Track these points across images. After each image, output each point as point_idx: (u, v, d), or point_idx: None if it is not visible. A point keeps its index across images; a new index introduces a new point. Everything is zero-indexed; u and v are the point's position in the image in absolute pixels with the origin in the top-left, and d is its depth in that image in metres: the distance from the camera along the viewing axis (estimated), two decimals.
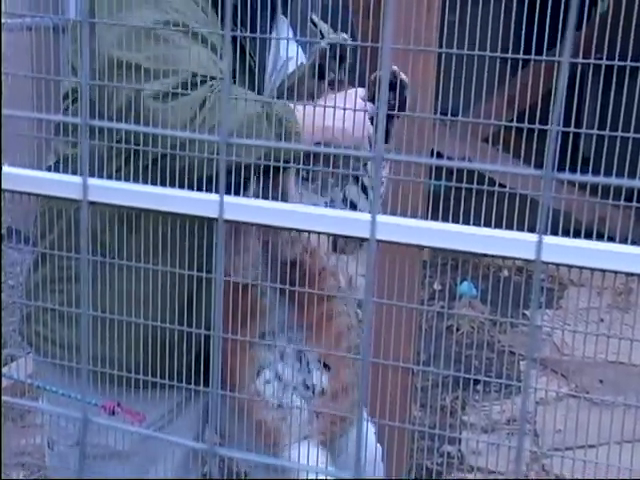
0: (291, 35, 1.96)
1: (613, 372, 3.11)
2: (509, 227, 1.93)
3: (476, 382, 3.32)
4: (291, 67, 1.92)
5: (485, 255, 0.83)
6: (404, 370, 2.66)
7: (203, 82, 1.63)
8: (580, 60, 1.50)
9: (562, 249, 0.75)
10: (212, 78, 1.64)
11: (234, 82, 1.76)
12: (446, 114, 1.98)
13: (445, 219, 1.63)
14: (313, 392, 1.83)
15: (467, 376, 1.85)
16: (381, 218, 0.72)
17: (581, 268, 0.73)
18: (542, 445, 3.31)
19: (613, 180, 0.51)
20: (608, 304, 3.77)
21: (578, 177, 0.51)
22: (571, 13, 0.47)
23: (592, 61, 1.57)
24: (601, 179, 0.51)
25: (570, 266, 0.73)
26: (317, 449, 1.82)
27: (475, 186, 1.80)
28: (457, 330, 4.01)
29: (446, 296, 4.02)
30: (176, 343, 1.88)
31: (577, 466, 2.40)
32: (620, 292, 4.03)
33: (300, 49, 1.96)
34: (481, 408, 3.51)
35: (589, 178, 0.52)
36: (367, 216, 0.63)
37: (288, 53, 1.93)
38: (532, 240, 0.61)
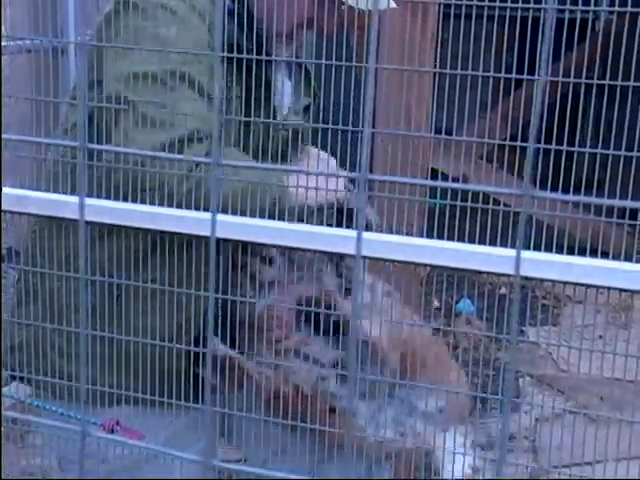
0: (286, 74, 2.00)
1: (610, 389, 3.12)
2: (504, 243, 1.94)
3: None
4: (286, 103, 1.96)
5: (468, 270, 0.84)
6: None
7: (200, 140, 1.62)
8: (571, 79, 1.51)
9: (548, 265, 0.77)
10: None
11: (249, 111, 1.75)
12: (441, 132, 2.00)
13: (441, 236, 1.64)
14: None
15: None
16: (367, 235, 0.74)
17: (565, 283, 0.75)
18: (541, 462, 3.32)
19: (594, 199, 0.52)
20: (607, 321, 3.79)
21: (556, 195, 0.52)
22: (545, 41, 0.49)
23: (583, 80, 1.59)
24: (581, 198, 0.53)
25: (555, 281, 0.74)
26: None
27: (469, 204, 1.82)
28: (456, 347, 4.02)
29: (444, 312, 4.03)
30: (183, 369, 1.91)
31: None
32: (618, 309, 4.05)
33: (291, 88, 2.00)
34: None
35: (569, 197, 0.53)
36: (352, 233, 0.64)
37: (284, 89, 1.96)
38: (511, 255, 0.63)
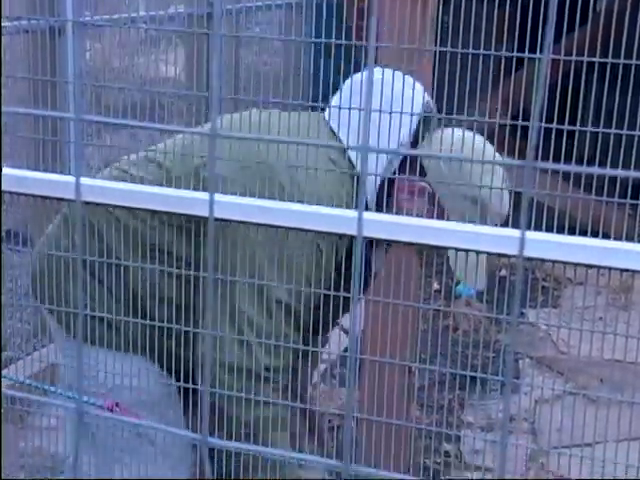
0: None
1: (610, 370, 3.12)
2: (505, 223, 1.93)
3: (474, 381, 3.32)
4: None
5: (472, 251, 0.83)
6: (403, 369, 2.66)
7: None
8: (573, 57, 1.50)
9: (550, 245, 0.76)
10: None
11: None
12: (441, 113, 1.99)
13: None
14: None
15: (464, 373, 1.85)
16: (368, 215, 0.73)
17: (568, 264, 0.74)
18: (541, 443, 3.32)
19: (595, 169, 0.52)
20: (607, 302, 3.78)
21: (558, 166, 0.51)
22: (549, 23, 0.48)
23: (585, 58, 1.57)
24: (584, 169, 0.52)
25: (558, 262, 0.73)
26: None
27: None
28: (455, 329, 4.01)
29: (444, 295, 4.03)
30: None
31: (575, 464, 2.41)
32: (618, 291, 4.04)
33: None
34: (480, 407, 3.51)
35: (570, 167, 0.53)
36: (354, 213, 0.64)
37: None
38: (515, 236, 0.62)
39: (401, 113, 1.88)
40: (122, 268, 1.91)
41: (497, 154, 1.97)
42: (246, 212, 0.85)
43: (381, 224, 0.80)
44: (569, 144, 1.81)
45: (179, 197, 0.88)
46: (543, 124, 1.35)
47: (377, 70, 1.97)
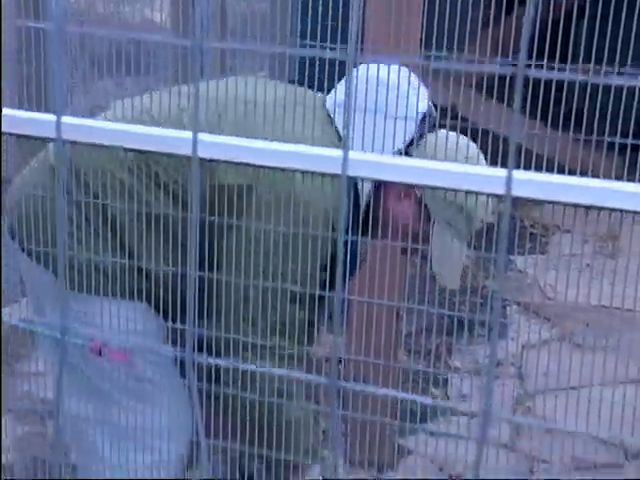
0: None
1: (597, 316, 3.14)
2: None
3: (461, 326, 3.35)
4: None
5: (459, 191, 0.84)
6: (390, 313, 2.68)
7: None
8: None
9: (538, 184, 0.76)
10: None
11: None
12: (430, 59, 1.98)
13: None
14: None
15: (451, 313, 1.87)
16: (353, 154, 0.73)
17: (556, 203, 0.74)
18: (527, 387, 3.36)
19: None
20: (594, 250, 3.80)
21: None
22: None
23: None
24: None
25: (544, 201, 0.74)
26: None
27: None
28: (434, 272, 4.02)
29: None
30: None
31: (561, 407, 2.44)
32: (605, 238, 4.06)
33: None
34: (467, 352, 3.55)
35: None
36: (339, 152, 0.64)
37: None
38: (502, 175, 0.62)
39: (404, 119, 1.92)
40: (109, 217, 1.92)
41: (482, 157, 2.00)
42: (230, 151, 0.85)
43: (366, 163, 0.80)
44: (558, 92, 1.81)
45: (163, 136, 0.88)
46: (532, 71, 1.35)
47: (382, 68, 1.96)
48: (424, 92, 1.99)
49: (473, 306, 3.35)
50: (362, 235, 1.99)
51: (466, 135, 2.02)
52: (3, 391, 2.54)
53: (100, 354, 1.98)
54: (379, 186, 1.98)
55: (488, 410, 0.64)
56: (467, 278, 3.73)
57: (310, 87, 2.03)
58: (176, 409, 2.04)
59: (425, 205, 1.98)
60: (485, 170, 0.77)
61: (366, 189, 1.97)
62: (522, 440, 3.03)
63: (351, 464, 2.58)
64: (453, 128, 2.00)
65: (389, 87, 1.89)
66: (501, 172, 0.67)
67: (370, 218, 1.95)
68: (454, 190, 0.84)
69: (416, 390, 3.04)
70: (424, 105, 1.98)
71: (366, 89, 1.91)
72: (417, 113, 1.94)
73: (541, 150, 2.12)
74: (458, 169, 0.78)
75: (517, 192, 0.67)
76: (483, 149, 2.02)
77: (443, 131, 2.01)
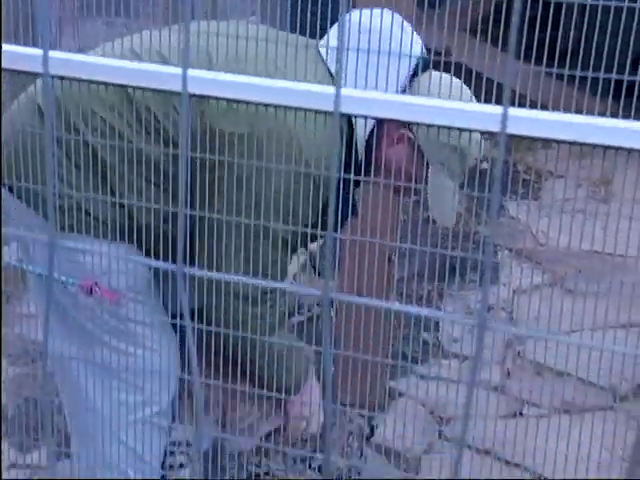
0: None
1: (589, 261, 3.15)
2: None
3: (453, 272, 3.35)
4: None
5: (454, 128, 0.83)
6: (382, 257, 2.68)
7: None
8: None
9: (533, 122, 0.75)
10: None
11: None
12: (424, 3, 1.96)
13: None
14: None
15: (444, 252, 1.88)
16: (347, 91, 0.72)
17: (551, 141, 0.73)
18: (518, 332, 3.37)
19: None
20: (587, 195, 3.80)
21: None
22: None
23: None
24: None
25: (539, 139, 0.73)
26: None
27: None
28: (435, 221, 4.03)
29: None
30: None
31: (551, 351, 2.45)
32: (598, 184, 4.06)
33: None
34: (459, 297, 3.56)
35: None
36: (331, 89, 0.63)
37: None
38: (498, 112, 0.61)
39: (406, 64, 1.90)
40: (93, 155, 1.92)
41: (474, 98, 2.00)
42: (222, 87, 0.83)
43: (360, 100, 0.79)
44: (554, 31, 1.79)
45: (152, 72, 0.86)
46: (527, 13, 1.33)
47: (375, 13, 1.94)
48: (417, 37, 1.97)
49: (465, 251, 3.35)
50: (357, 183, 1.99)
51: (460, 78, 2.01)
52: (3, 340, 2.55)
53: (91, 292, 1.98)
54: (372, 131, 1.97)
55: (479, 354, 0.63)
56: (459, 224, 3.73)
57: (302, 34, 2.01)
58: (164, 350, 2.05)
59: (419, 147, 1.98)
60: (481, 107, 0.76)
61: (361, 131, 1.96)
62: (512, 383, 3.05)
63: (342, 405, 2.60)
64: (447, 71, 1.99)
65: (382, 32, 1.87)
66: (496, 109, 0.66)
67: (363, 164, 1.95)
68: (449, 128, 0.83)
69: (407, 334, 3.06)
70: (417, 49, 1.96)
71: (358, 34, 1.90)
72: (410, 57, 1.93)
73: (535, 95, 2.11)
74: (453, 106, 0.77)
75: (512, 129, 0.66)
76: (476, 93, 2.01)
77: (436, 73, 2.00)
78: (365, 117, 1.72)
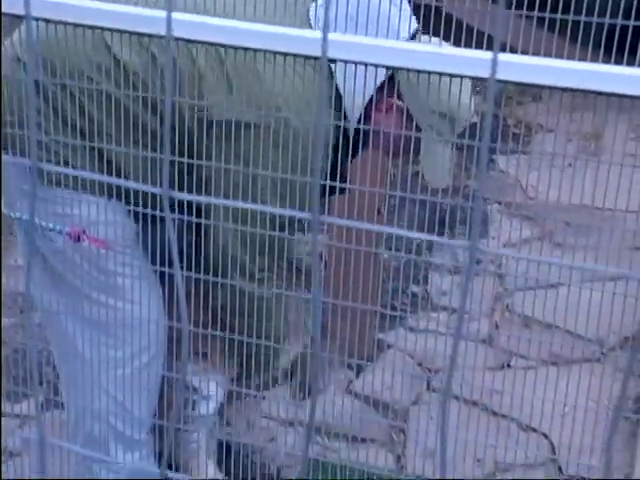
0: None
1: (578, 215, 3.15)
2: None
3: (443, 225, 3.36)
4: None
5: (445, 74, 0.82)
6: (372, 210, 2.68)
7: None
8: None
9: (524, 67, 0.74)
10: None
11: None
12: None
13: None
14: None
15: (433, 199, 1.88)
16: (333, 36, 0.71)
17: (541, 87, 0.73)
18: (507, 286, 3.39)
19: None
20: (577, 149, 3.79)
21: None
22: None
23: None
24: None
25: (530, 85, 0.72)
26: None
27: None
28: (424, 176, 4.01)
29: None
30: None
31: (539, 304, 2.46)
32: (588, 137, 4.05)
33: None
34: (447, 250, 3.56)
35: None
36: (318, 34, 0.62)
37: None
38: (488, 58, 0.60)
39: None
40: (86, 118, 1.91)
41: None
42: (209, 32, 0.82)
43: (350, 45, 0.78)
44: None
45: (137, 15, 0.85)
46: None
47: None
48: (408, 12, 1.96)
49: (454, 204, 3.35)
50: (348, 155, 1.98)
51: (450, 33, 1.99)
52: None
53: (79, 240, 1.98)
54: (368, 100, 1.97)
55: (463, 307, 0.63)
56: (451, 178, 3.72)
57: None
58: (153, 302, 2.05)
59: (409, 115, 1.98)
60: (471, 52, 0.75)
61: (358, 102, 1.95)
62: (501, 335, 3.07)
63: (330, 354, 2.61)
64: (437, 24, 1.97)
65: (369, 6, 1.87)
66: (486, 54, 0.65)
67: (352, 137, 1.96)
68: (440, 74, 0.82)
69: (396, 287, 3.06)
70: (405, 28, 1.94)
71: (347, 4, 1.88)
72: (399, 38, 1.91)
73: (526, 47, 2.09)
74: (444, 51, 0.76)
75: (502, 75, 0.66)
76: (467, 46, 1.99)
77: (425, 37, 1.98)
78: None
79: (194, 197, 0.61)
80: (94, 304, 2.03)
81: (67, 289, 2.04)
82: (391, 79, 1.95)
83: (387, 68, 1.80)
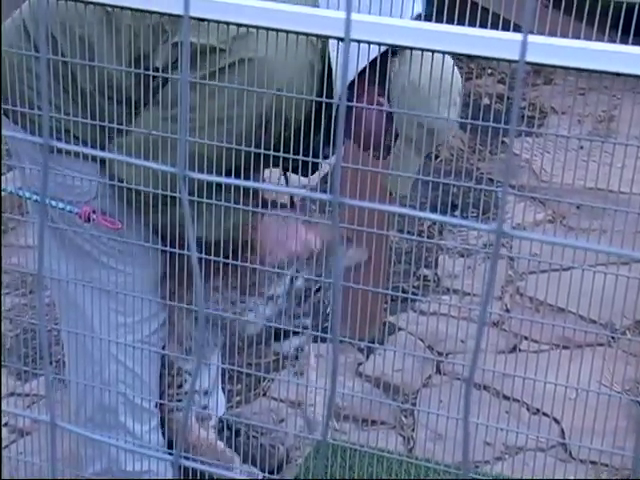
0: None
1: (590, 198, 3.13)
2: None
3: (454, 208, 3.34)
4: None
5: (473, 57, 0.80)
6: (383, 191, 2.66)
7: None
8: None
9: (552, 48, 0.72)
10: None
11: None
12: None
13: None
14: None
15: (446, 182, 1.86)
16: (356, 16, 0.69)
17: (567, 69, 0.71)
18: (518, 269, 3.37)
19: None
20: (589, 131, 3.76)
21: None
22: None
23: None
24: None
25: (556, 67, 0.70)
26: None
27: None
28: (436, 158, 3.99)
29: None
30: None
31: (552, 287, 2.44)
32: (601, 120, 4.02)
33: None
34: (458, 233, 3.55)
35: None
36: (341, 14, 0.60)
37: None
38: (518, 39, 0.58)
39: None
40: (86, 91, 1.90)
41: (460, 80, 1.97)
42: (222, 10, 0.81)
43: (373, 26, 0.76)
44: None
45: None
46: None
47: None
48: None
49: (466, 189, 3.33)
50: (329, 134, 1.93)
51: (465, 13, 1.96)
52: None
53: (88, 220, 1.97)
54: (352, 83, 1.89)
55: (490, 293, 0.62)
56: (463, 160, 3.70)
57: None
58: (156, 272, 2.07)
59: (391, 118, 1.96)
60: (500, 34, 0.73)
61: (351, 73, 1.91)
62: (512, 319, 3.05)
63: (342, 336, 2.60)
64: (452, 7, 1.94)
65: None
66: (516, 36, 0.64)
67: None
68: (469, 56, 0.80)
69: (407, 270, 3.05)
70: (418, 7, 1.91)
71: None
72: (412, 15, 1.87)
73: (530, 26, 2.07)
74: (474, 32, 0.74)
75: (531, 57, 0.64)
76: (483, 27, 1.97)
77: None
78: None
79: (206, 177, 0.59)
80: (104, 269, 2.03)
81: (77, 254, 2.04)
82: (381, 67, 1.89)
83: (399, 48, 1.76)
